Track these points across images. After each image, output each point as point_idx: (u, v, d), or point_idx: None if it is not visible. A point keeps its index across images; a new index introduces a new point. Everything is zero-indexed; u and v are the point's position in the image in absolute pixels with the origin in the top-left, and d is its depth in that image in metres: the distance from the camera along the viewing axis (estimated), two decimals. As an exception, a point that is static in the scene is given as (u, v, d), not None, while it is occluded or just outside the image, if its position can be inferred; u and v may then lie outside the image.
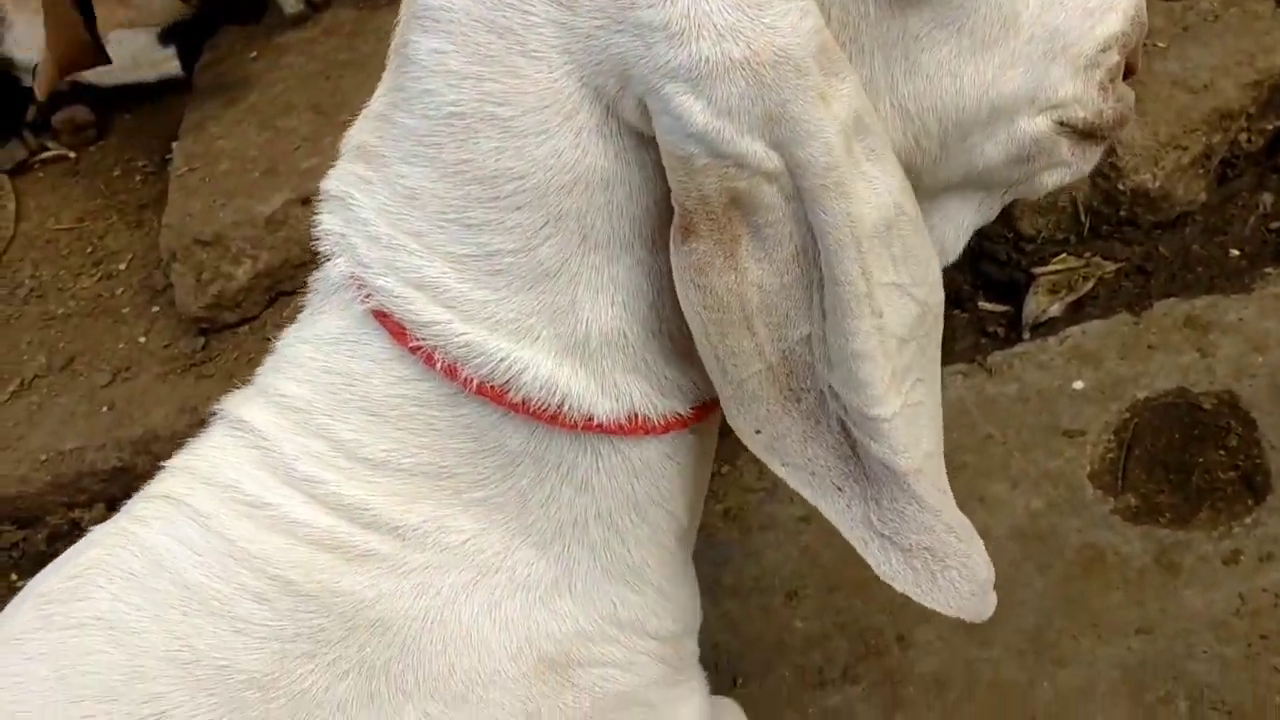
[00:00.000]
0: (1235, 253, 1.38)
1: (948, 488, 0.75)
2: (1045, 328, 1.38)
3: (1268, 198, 1.41)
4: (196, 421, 1.57)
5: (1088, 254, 1.42)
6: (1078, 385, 1.31)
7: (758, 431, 0.74)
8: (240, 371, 1.63)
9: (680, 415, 0.77)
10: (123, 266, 1.93)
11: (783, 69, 0.59)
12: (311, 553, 0.75)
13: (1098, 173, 1.40)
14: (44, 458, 1.66)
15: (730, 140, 0.60)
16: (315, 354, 0.77)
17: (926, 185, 0.73)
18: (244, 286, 1.65)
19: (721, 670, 1.19)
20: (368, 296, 0.73)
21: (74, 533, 1.68)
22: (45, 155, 2.28)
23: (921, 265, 0.69)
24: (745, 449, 0.75)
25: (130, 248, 1.96)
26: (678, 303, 0.71)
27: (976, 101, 0.70)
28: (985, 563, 0.74)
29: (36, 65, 1.97)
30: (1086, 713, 1.06)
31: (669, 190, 0.66)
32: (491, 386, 0.72)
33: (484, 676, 0.79)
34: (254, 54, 2.02)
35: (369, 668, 0.76)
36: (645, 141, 0.65)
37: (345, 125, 1.83)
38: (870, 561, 0.75)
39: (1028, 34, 0.71)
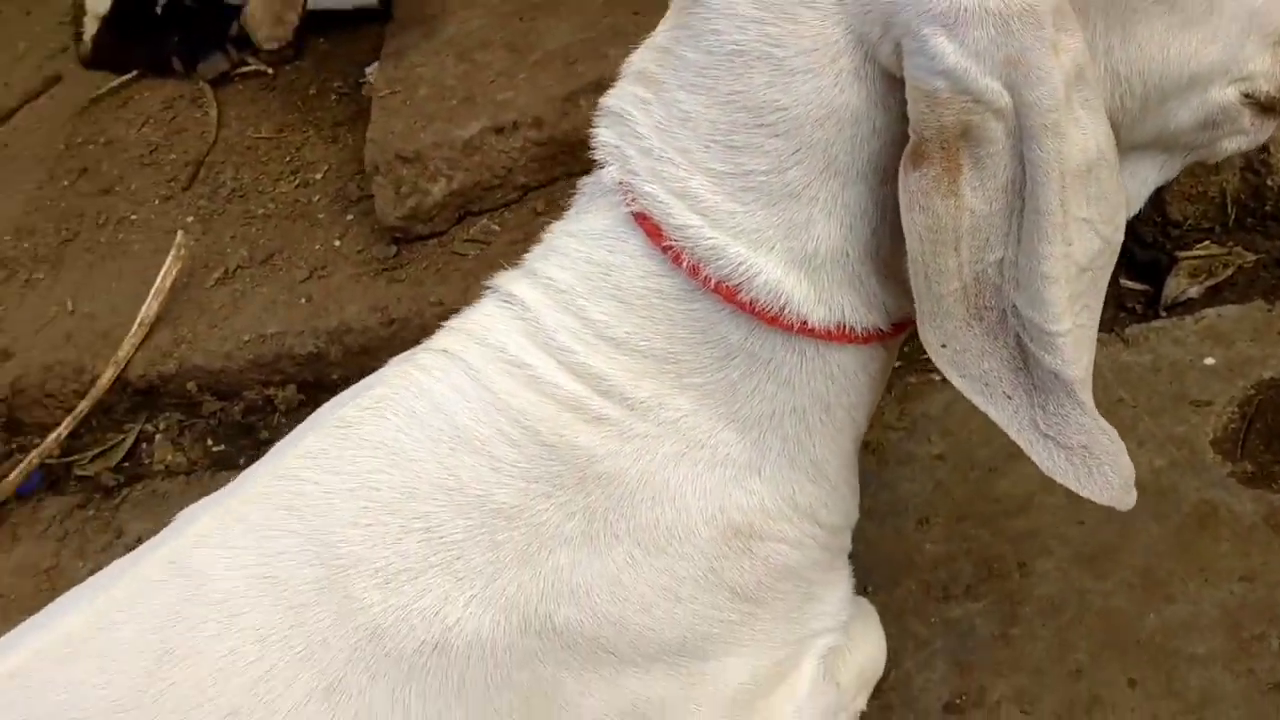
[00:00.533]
0: (1372, 254, 1.47)
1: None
2: (1182, 308, 1.48)
3: None
4: (386, 319, 1.76)
5: (1230, 243, 1.52)
6: (1208, 361, 1.41)
7: (943, 345, 0.87)
8: (428, 279, 1.80)
9: (879, 329, 0.91)
10: (319, 176, 2.12)
11: (1026, 20, 0.72)
12: (557, 410, 0.91)
13: (1248, 167, 1.50)
14: (246, 339, 1.86)
15: (974, 78, 0.72)
16: (579, 246, 0.92)
17: (1122, 141, 0.85)
18: (438, 203, 1.82)
19: (855, 578, 1.33)
20: (632, 200, 0.89)
21: (268, 408, 1.87)
22: (245, 70, 2.47)
23: (1110, 206, 0.82)
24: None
25: (326, 160, 2.14)
26: (893, 229, 0.84)
27: (1178, 71, 0.82)
28: (1129, 462, 0.86)
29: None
30: (1187, 642, 1.18)
31: (902, 130, 0.79)
32: (726, 285, 0.86)
33: (681, 533, 0.94)
34: (451, -10, 2.18)
35: (591, 512, 0.92)
36: (893, 86, 0.78)
37: (537, 63, 2.03)
38: (1035, 458, 0.87)
39: (1230, 13, 0.82)
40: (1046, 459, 0.87)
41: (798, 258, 0.85)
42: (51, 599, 1.68)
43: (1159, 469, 1.32)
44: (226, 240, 2.06)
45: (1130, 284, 1.55)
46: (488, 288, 0.98)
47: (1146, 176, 0.93)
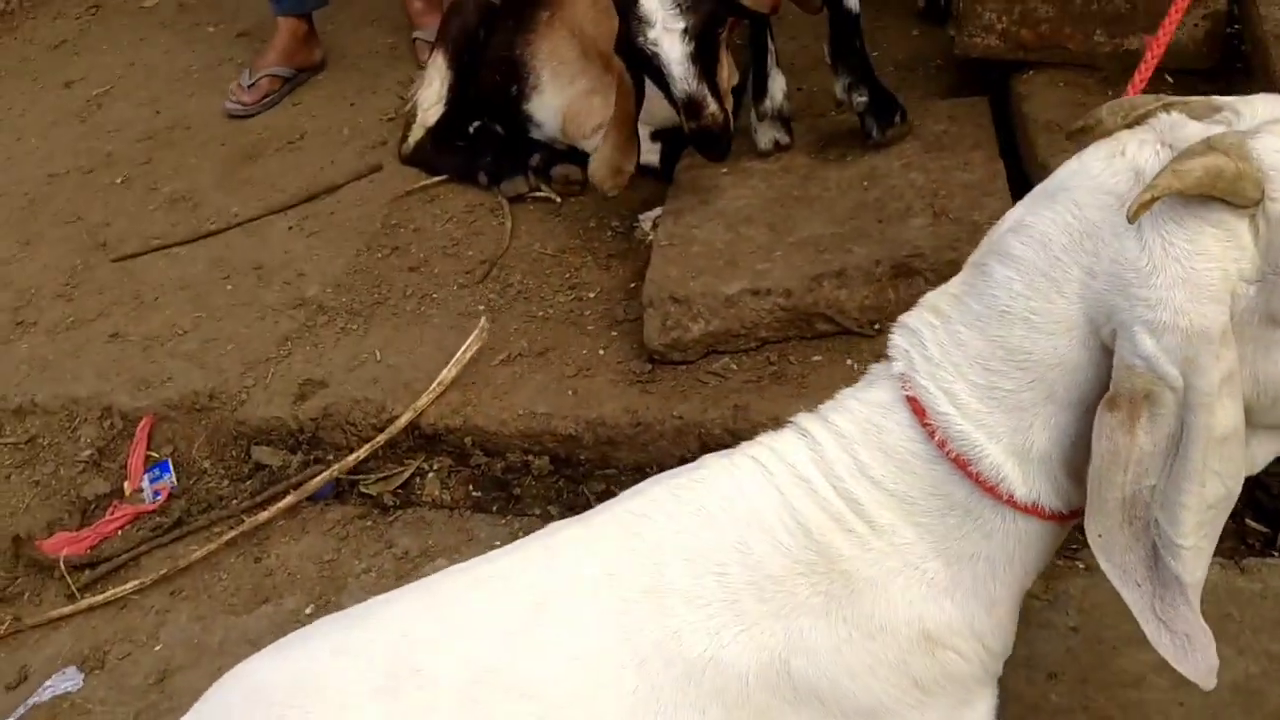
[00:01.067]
0: None
1: (1198, 607, 1.21)
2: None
3: None
4: (634, 421, 2.19)
5: (1344, 506, 1.84)
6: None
7: (1100, 536, 1.22)
8: (673, 396, 2.23)
9: (1060, 512, 1.27)
10: (591, 295, 2.59)
11: (1202, 339, 1.09)
12: (824, 518, 1.29)
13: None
14: (520, 412, 2.31)
15: (1163, 366, 1.10)
16: (863, 409, 1.32)
17: (1256, 422, 1.21)
18: (695, 339, 2.27)
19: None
20: (908, 387, 1.28)
21: (523, 470, 2.31)
22: (538, 194, 3.00)
23: (1235, 466, 1.18)
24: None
25: (599, 283, 2.62)
26: (1082, 446, 1.21)
27: None
28: (1215, 654, 1.19)
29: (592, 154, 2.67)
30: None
31: (1102, 381, 1.17)
32: (962, 458, 1.24)
33: (889, 627, 1.30)
34: (725, 170, 2.66)
35: (831, 595, 1.29)
36: (1105, 353, 1.16)
37: (793, 245, 2.49)
38: (1148, 634, 1.20)
39: None
40: (1156, 636, 1.19)
41: (1017, 451, 1.22)
42: (330, 586, 2.15)
43: (1252, 674, 1.63)
44: (510, 331, 2.54)
45: (1254, 524, 1.88)
46: (790, 422, 1.37)
47: (1271, 449, 1.28)
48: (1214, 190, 1.06)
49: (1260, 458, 1.28)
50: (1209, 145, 1.07)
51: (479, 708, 1.25)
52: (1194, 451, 1.12)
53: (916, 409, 1.27)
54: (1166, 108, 1.18)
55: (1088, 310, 1.15)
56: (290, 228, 3.09)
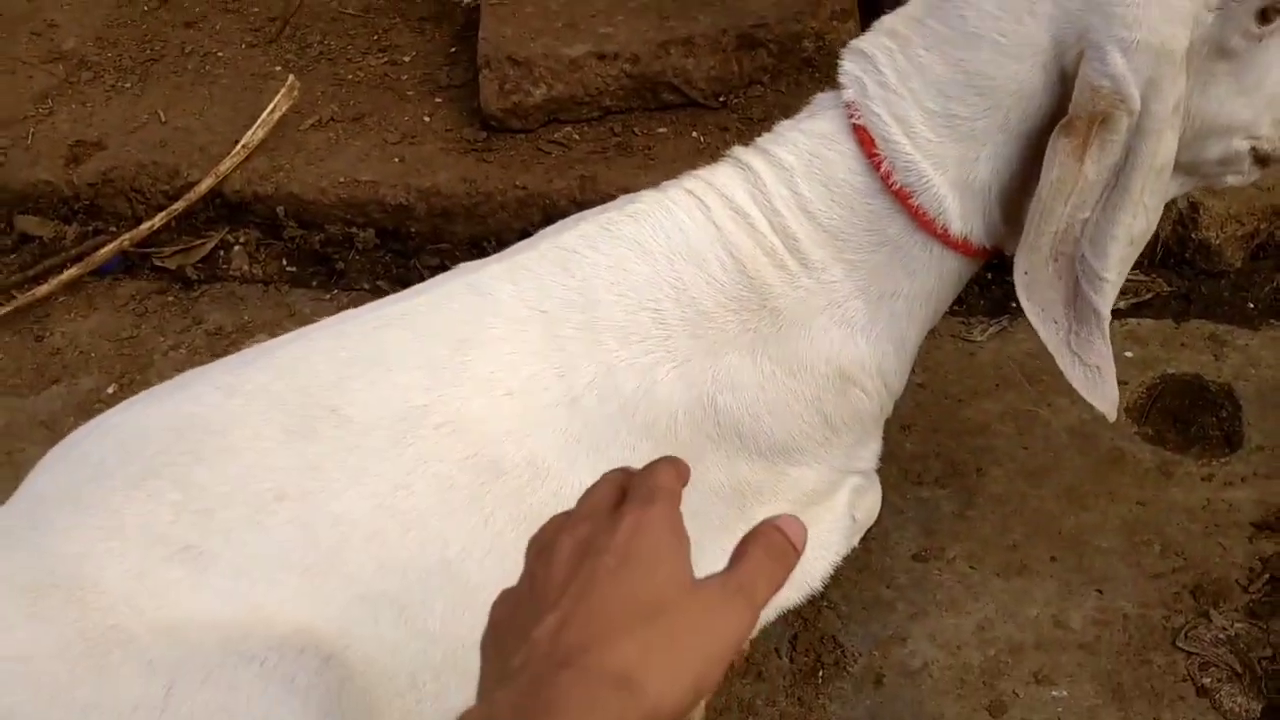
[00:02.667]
0: (1251, 305, 1.97)
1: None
2: (1113, 314, 1.94)
3: (1281, 277, 2.00)
4: (474, 190, 2.07)
5: (1154, 274, 1.99)
6: (1128, 354, 1.87)
7: (1025, 272, 1.25)
8: (514, 165, 2.10)
9: (983, 248, 1.29)
10: (406, 59, 2.39)
11: (1168, 59, 1.11)
12: (759, 253, 1.26)
13: (1179, 221, 1.97)
14: (341, 180, 2.12)
15: (1128, 85, 1.11)
16: (806, 140, 1.27)
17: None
18: (536, 105, 2.14)
19: (854, 457, 1.72)
20: (856, 115, 1.24)
21: (346, 244, 2.14)
22: (328, -50, 2.70)
23: (1160, 201, 1.22)
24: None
25: (414, 46, 2.41)
26: (1019, 177, 1.22)
27: (1222, 122, 1.23)
28: (1116, 387, 1.26)
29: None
30: (1095, 538, 1.62)
31: (1057, 110, 1.17)
32: (905, 190, 1.22)
33: (809, 364, 1.30)
34: (547, -69, 2.49)
35: (758, 332, 1.27)
36: (1063, 80, 1.16)
37: (635, 9, 2.37)
38: (1062, 367, 1.24)
39: (1264, 93, 1.23)
40: (1071, 369, 1.25)
41: (960, 183, 1.21)
42: (132, 365, 1.94)
43: (1086, 420, 1.76)
44: (318, 94, 2.30)
45: (1076, 291, 2.00)
46: (727, 154, 1.31)
47: (1173, 188, 1.34)
48: None
49: (1165, 195, 1.35)
50: None
51: (407, 446, 1.15)
52: (1134, 181, 1.16)
53: (864, 138, 1.23)
54: None
55: (1057, 32, 1.14)
56: (31, -30, 2.65)
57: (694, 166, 1.30)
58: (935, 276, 1.29)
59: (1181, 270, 2.01)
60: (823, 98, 1.29)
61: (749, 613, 0.67)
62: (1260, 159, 1.29)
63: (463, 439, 1.16)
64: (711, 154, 2.14)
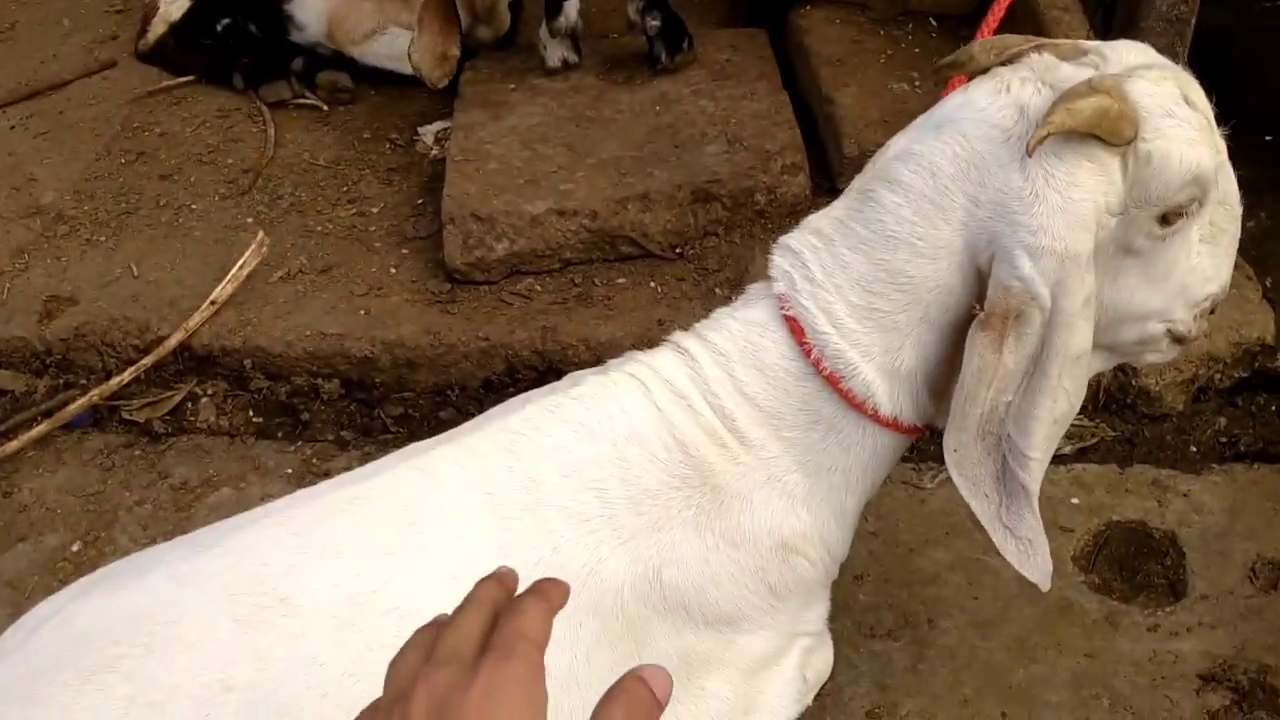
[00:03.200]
0: (1194, 449, 2.02)
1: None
2: (1058, 459, 2.00)
3: (1222, 420, 2.06)
4: (438, 342, 2.12)
5: (1098, 420, 2.05)
6: (1074, 500, 1.92)
7: (955, 450, 1.29)
8: (477, 317, 2.16)
9: (915, 426, 1.34)
10: (375, 210, 2.46)
11: (1073, 263, 1.17)
12: (699, 432, 1.31)
13: (1120, 367, 2.04)
14: (308, 333, 2.17)
15: (1037, 286, 1.17)
16: (741, 328, 1.33)
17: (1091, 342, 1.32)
18: (499, 259, 2.20)
19: (808, 610, 1.75)
20: (788, 307, 1.30)
21: (312, 395, 2.18)
22: (302, 101, 2.81)
23: (1080, 384, 1.28)
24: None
25: (382, 198, 2.49)
26: (943, 363, 1.28)
27: (1134, 310, 1.29)
28: (1050, 559, 1.30)
29: (411, 43, 2.51)
30: (1043, 692, 1.65)
31: (970, 305, 1.23)
32: (834, 375, 1.28)
33: (752, 537, 1.34)
34: (512, 86, 2.59)
35: (702, 508, 1.32)
36: (976, 279, 1.22)
37: (594, 166, 2.49)
38: (996, 541, 1.27)
39: (1173, 283, 1.29)
40: (1003, 542, 1.29)
41: (886, 370, 1.27)
42: (97, 521, 1.97)
43: (1034, 570, 1.79)
44: (287, 246, 2.37)
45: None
46: (666, 340, 1.36)
47: (1095, 366, 1.40)
48: (1098, 129, 1.14)
49: (1089, 373, 1.40)
50: (1092, 87, 1.14)
51: (355, 633, 1.17)
52: (1052, 368, 1.21)
53: (794, 328, 1.29)
54: (1038, 49, 1.25)
55: (969, 236, 1.21)
56: (13, 127, 2.74)
57: (652, 315, 1.36)
58: (869, 452, 1.34)
59: (1125, 415, 2.07)
60: (756, 288, 1.35)
61: None
62: (1177, 339, 1.36)
63: (410, 624, 1.18)
64: (669, 303, 2.22)
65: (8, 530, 1.98)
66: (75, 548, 1.93)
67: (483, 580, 0.80)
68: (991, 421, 1.25)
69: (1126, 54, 1.22)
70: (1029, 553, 1.29)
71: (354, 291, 2.25)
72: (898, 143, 1.27)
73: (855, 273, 1.26)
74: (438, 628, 0.75)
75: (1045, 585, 1.30)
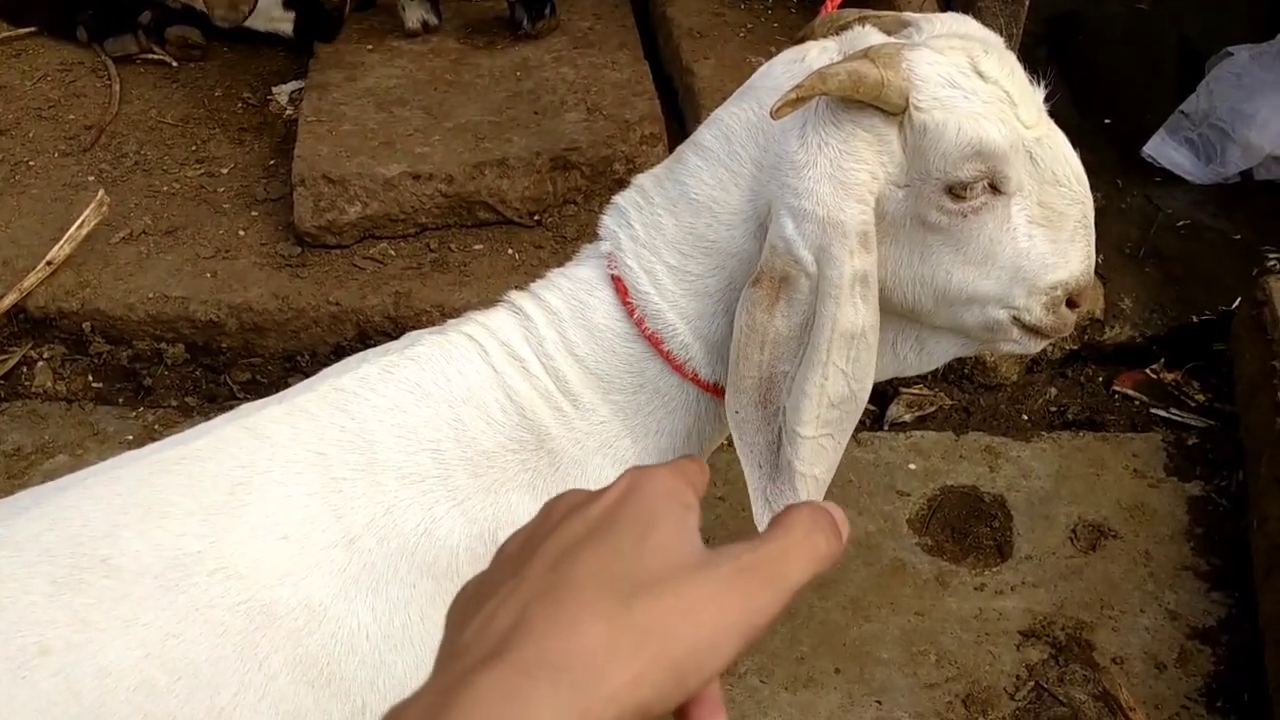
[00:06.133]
0: (1025, 418, 2.12)
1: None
2: (898, 427, 2.07)
3: (1053, 391, 2.16)
4: (287, 307, 2.08)
5: (936, 389, 2.13)
6: (911, 466, 1.99)
7: (736, 412, 1.27)
8: (328, 281, 2.13)
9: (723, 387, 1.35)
10: (224, 171, 2.39)
11: (836, 232, 1.19)
12: (535, 395, 1.31)
13: (959, 340, 2.11)
14: (150, 295, 2.11)
15: (798, 248, 1.18)
16: (571, 286, 1.34)
17: (927, 323, 1.33)
18: (350, 222, 2.17)
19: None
20: (613, 266, 1.31)
21: (154, 359, 2.12)
22: (149, 56, 2.71)
23: (864, 370, 1.27)
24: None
25: (232, 158, 2.43)
26: None
27: (958, 291, 1.31)
28: None
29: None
30: (876, 648, 1.71)
31: None
32: (657, 336, 1.29)
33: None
34: (370, 47, 2.55)
35: (537, 471, 1.32)
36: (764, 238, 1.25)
37: (452, 130, 2.47)
38: (755, 514, 1.25)
39: (1001, 265, 1.30)
40: (760, 517, 1.26)
41: (702, 334, 1.28)
42: (-76, 487, 1.86)
43: (871, 532, 1.86)
44: (131, 206, 2.29)
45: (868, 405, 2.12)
46: (502, 299, 1.36)
47: (948, 348, 1.39)
48: (857, 94, 1.13)
49: (939, 355, 1.38)
50: (864, 54, 1.14)
51: (180, 593, 1.15)
52: (820, 340, 1.19)
53: (620, 287, 1.30)
54: (862, 20, 1.28)
55: (755, 202, 1.22)
56: None
57: (509, 283, 1.36)
58: (693, 416, 1.33)
59: (962, 385, 2.15)
60: (588, 248, 1.36)
61: (768, 596, 0.53)
62: (1029, 329, 1.29)
63: (236, 584, 1.17)
64: (526, 270, 2.22)
65: None
66: (-105, 516, 1.84)
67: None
68: (773, 390, 1.23)
69: (944, 25, 1.24)
70: None
71: (200, 254, 2.19)
72: (719, 109, 1.29)
73: (669, 235, 1.26)
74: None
75: None
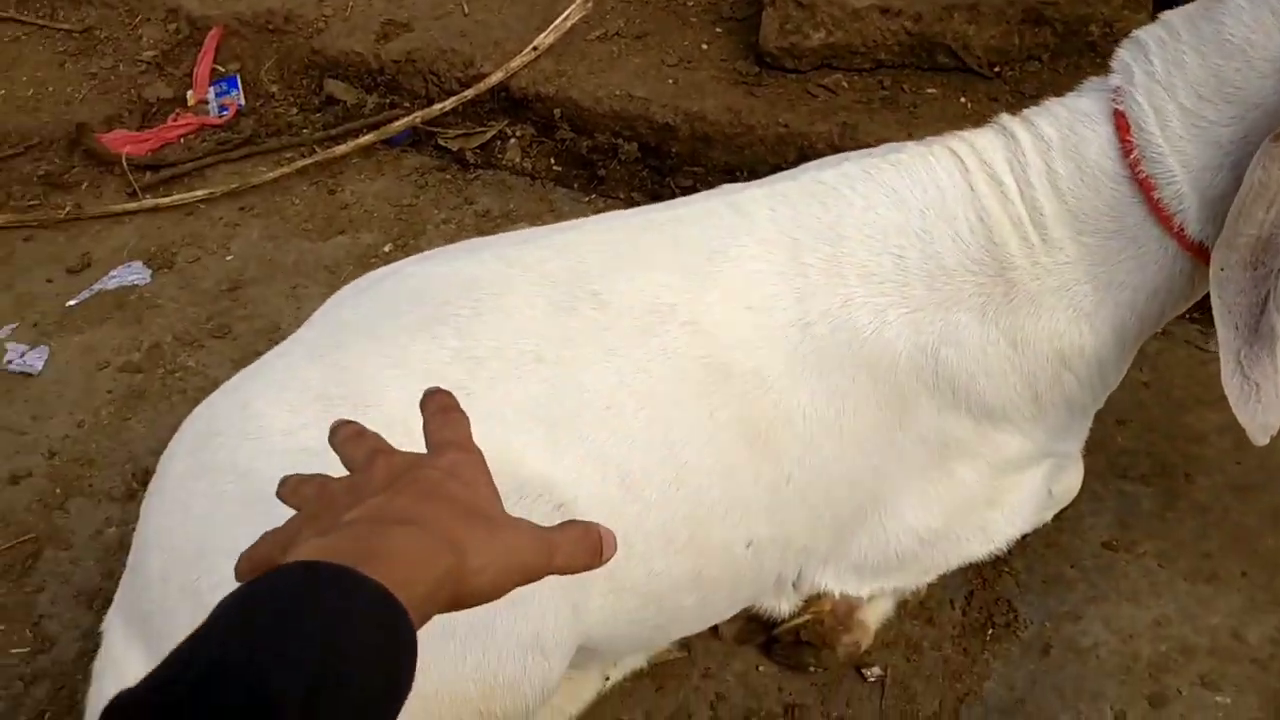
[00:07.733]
0: None
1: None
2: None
3: None
4: (738, 122, 2.14)
5: None
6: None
7: (1221, 269, 1.19)
8: (780, 103, 2.18)
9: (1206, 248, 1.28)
10: None
11: None
12: (1007, 221, 1.30)
13: None
14: (616, 92, 2.24)
15: None
16: (1069, 116, 1.30)
17: None
18: (812, 48, 2.20)
19: (1061, 438, 1.75)
20: (1119, 101, 1.27)
21: (610, 152, 2.27)
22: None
23: None
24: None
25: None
26: None
27: None
28: (1277, 415, 1.21)
29: None
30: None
31: None
32: (1150, 181, 1.24)
33: (1030, 340, 1.32)
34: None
35: (990, 298, 1.31)
36: None
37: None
38: (1224, 373, 1.21)
39: None
40: (1229, 376, 1.21)
41: (1201, 187, 1.22)
42: (407, 229, 2.14)
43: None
44: (608, 8, 2.44)
45: None
46: (993, 120, 1.36)
47: None
48: None
49: None
50: None
51: (653, 337, 1.27)
52: None
53: (1121, 124, 1.26)
54: None
55: None
56: None
57: (956, 130, 1.36)
58: (1165, 275, 1.29)
59: None
60: (1093, 80, 1.32)
61: (544, 560, 0.73)
62: None
63: (702, 340, 1.28)
64: (977, 121, 2.14)
65: (330, 222, 2.19)
66: (386, 249, 2.13)
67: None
68: (1268, 252, 1.16)
69: None
70: (1251, 396, 1.21)
71: (665, 61, 2.31)
72: None
73: (1191, 75, 1.20)
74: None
75: (1259, 438, 1.23)
